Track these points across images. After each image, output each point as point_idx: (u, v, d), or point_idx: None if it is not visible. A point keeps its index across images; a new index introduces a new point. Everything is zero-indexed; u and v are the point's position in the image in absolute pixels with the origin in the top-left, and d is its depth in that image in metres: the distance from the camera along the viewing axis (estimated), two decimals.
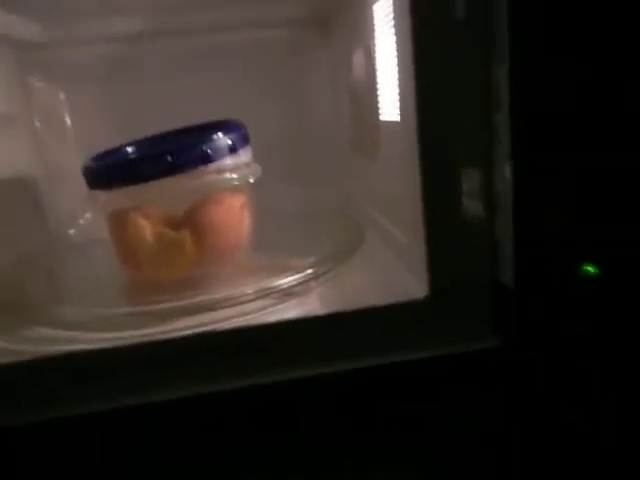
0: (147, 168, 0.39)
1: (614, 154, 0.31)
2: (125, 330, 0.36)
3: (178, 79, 0.61)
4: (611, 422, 0.31)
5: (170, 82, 0.61)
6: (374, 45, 0.44)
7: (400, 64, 0.36)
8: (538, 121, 0.31)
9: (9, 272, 0.47)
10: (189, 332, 0.35)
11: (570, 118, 0.31)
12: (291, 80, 0.64)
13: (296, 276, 0.39)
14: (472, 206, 0.34)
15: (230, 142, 0.41)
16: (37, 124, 0.61)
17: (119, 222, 0.42)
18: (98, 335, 0.36)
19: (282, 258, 0.43)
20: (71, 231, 0.62)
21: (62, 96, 0.63)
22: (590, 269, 0.32)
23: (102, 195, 0.41)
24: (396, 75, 0.37)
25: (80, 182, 0.42)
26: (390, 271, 0.42)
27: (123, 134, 0.47)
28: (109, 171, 0.41)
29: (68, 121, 0.64)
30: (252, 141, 0.44)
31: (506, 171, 0.32)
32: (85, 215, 0.64)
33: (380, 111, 0.45)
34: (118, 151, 0.45)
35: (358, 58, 0.49)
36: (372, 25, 0.43)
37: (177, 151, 0.39)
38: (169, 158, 0.39)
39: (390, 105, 0.41)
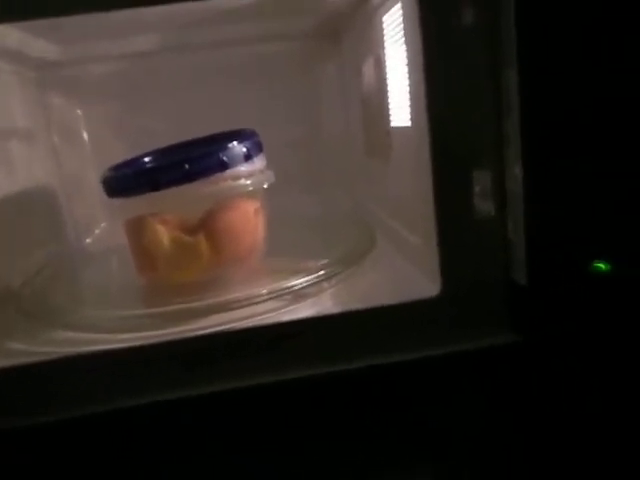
0: (164, 176, 0.40)
1: (623, 152, 0.32)
2: (143, 331, 0.37)
3: (193, 93, 0.63)
4: (627, 417, 0.32)
5: (185, 96, 0.63)
6: (384, 54, 0.45)
7: (410, 71, 0.37)
8: (548, 122, 0.32)
9: (30, 279, 0.48)
10: (205, 332, 0.36)
11: (580, 118, 0.32)
12: (303, 90, 0.65)
13: (308, 277, 0.39)
14: (484, 206, 0.35)
15: (245, 150, 0.42)
16: (55, 139, 0.63)
17: (137, 228, 0.43)
18: (118, 336, 0.37)
19: (295, 261, 0.44)
20: (88, 240, 0.64)
21: (79, 112, 0.65)
22: (601, 266, 0.32)
23: (120, 203, 0.42)
24: (406, 82, 0.38)
25: (96, 193, 0.44)
26: (401, 272, 0.43)
27: (139, 148, 0.49)
28: (127, 179, 0.42)
29: (85, 136, 0.65)
30: (267, 149, 0.45)
31: (517, 171, 0.33)
32: (101, 224, 0.66)
33: (391, 117, 0.46)
34: (136, 161, 0.46)
35: (368, 67, 0.50)
36: (382, 35, 0.45)
37: (194, 159, 0.41)
38: (186, 166, 0.40)
39: (401, 111, 0.42)
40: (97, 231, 0.65)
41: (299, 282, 0.39)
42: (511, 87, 0.32)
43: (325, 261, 0.42)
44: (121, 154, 0.48)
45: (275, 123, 0.60)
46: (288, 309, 0.38)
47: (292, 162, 0.60)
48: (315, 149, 0.65)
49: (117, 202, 0.43)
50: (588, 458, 0.30)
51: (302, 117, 0.65)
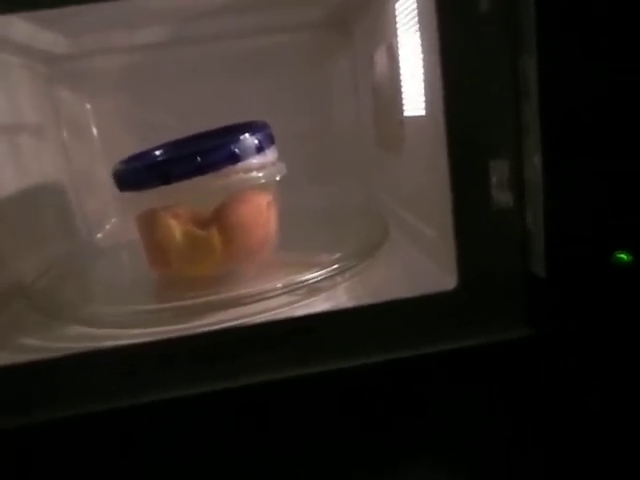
0: (176, 169, 0.40)
1: None
2: (156, 326, 0.37)
3: (202, 85, 0.62)
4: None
5: (194, 88, 0.62)
6: (396, 43, 0.44)
7: (425, 59, 0.36)
8: (567, 110, 0.31)
9: (41, 275, 0.48)
10: (218, 327, 0.36)
11: (600, 105, 0.31)
12: (314, 81, 0.64)
13: (322, 271, 0.39)
14: (502, 196, 0.34)
15: (257, 142, 0.42)
16: (64, 133, 0.63)
17: (149, 222, 0.42)
18: (130, 331, 0.37)
19: (308, 254, 0.43)
20: (99, 235, 0.63)
21: (88, 106, 0.65)
22: (623, 256, 0.31)
23: (132, 196, 0.42)
24: (421, 70, 0.37)
25: (106, 188, 0.44)
26: (417, 265, 0.42)
27: (148, 141, 0.48)
28: (139, 173, 0.41)
29: (94, 130, 0.65)
30: (278, 141, 0.45)
31: (536, 161, 0.32)
32: (112, 220, 0.66)
33: (404, 107, 0.45)
34: (147, 154, 0.46)
35: (380, 56, 0.49)
36: (394, 23, 0.44)
37: (206, 151, 0.40)
38: (198, 158, 0.40)
39: (414, 100, 0.41)
40: (108, 226, 0.65)
41: (313, 276, 0.39)
42: (530, 74, 0.31)
43: (338, 254, 0.42)
44: (131, 148, 0.47)
45: (285, 115, 0.59)
46: (302, 303, 0.38)
47: (303, 154, 0.59)
48: (326, 141, 0.65)
49: (128, 196, 0.42)
50: (603, 452, 0.30)
51: (313, 109, 0.64)
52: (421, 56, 0.37)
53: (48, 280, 0.48)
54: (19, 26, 0.48)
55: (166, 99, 0.62)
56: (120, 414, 0.36)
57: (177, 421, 0.36)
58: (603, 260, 0.32)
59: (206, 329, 0.36)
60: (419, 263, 0.42)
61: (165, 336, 0.36)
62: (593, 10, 0.30)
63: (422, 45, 0.36)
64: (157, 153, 0.46)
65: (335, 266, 0.40)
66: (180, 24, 0.58)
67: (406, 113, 0.45)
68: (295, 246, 0.46)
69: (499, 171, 0.34)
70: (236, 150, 0.40)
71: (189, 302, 0.38)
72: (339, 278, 0.40)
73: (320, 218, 0.55)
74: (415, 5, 0.37)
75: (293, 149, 0.49)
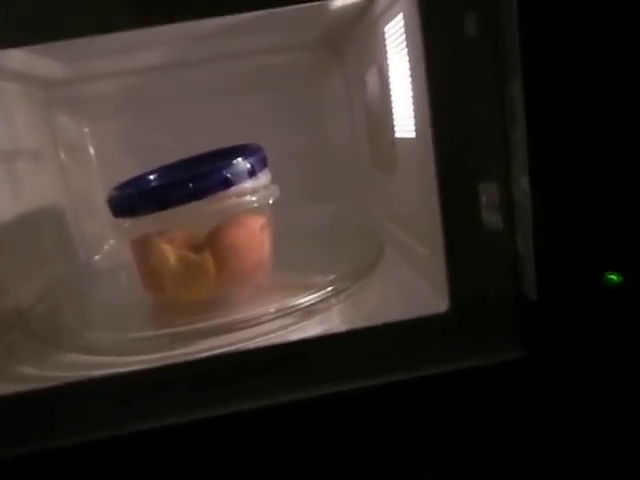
0: (169, 195, 0.40)
1: (632, 162, 0.31)
2: (151, 353, 0.37)
3: (199, 106, 0.63)
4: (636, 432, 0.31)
5: (191, 109, 0.63)
6: (387, 64, 0.45)
7: (414, 82, 0.37)
8: (554, 133, 0.31)
9: (40, 300, 0.49)
10: (212, 353, 0.36)
11: (586, 128, 0.31)
12: (308, 101, 0.65)
13: (316, 294, 0.39)
14: (492, 219, 0.35)
15: (249, 166, 0.42)
16: (62, 157, 0.64)
17: (143, 248, 0.43)
18: (126, 359, 0.37)
19: (303, 277, 0.43)
20: (97, 257, 0.64)
21: (86, 129, 0.65)
22: (613, 277, 0.31)
23: (126, 222, 0.42)
24: (410, 93, 0.38)
25: (104, 210, 0.44)
26: (410, 286, 0.42)
27: (146, 163, 0.49)
28: (132, 199, 0.42)
29: (92, 153, 0.66)
30: (272, 162, 0.45)
31: (524, 184, 0.33)
32: (109, 241, 0.66)
33: (395, 128, 0.45)
34: (141, 180, 0.46)
35: (371, 77, 0.50)
36: (384, 45, 0.44)
37: (198, 177, 0.41)
38: (190, 185, 0.40)
39: (405, 122, 0.41)
40: (106, 247, 0.66)
41: (307, 300, 0.39)
42: (516, 98, 0.31)
43: (333, 276, 0.42)
44: (128, 170, 0.48)
45: (282, 134, 0.60)
46: (296, 327, 0.38)
47: (299, 174, 0.60)
48: (322, 160, 0.65)
49: (123, 222, 0.43)
50: (596, 470, 0.30)
51: (308, 128, 0.65)
52: (409, 79, 0.37)
53: (46, 305, 0.48)
54: (14, 55, 0.49)
55: (163, 121, 0.63)
56: (117, 442, 0.36)
57: (173, 448, 0.36)
58: (593, 281, 0.32)
59: (200, 356, 0.36)
60: (413, 284, 0.42)
61: (160, 363, 0.36)
62: (577, 34, 0.30)
63: (410, 68, 0.37)
64: (150, 178, 0.46)
65: (329, 288, 0.40)
66: (176, 48, 0.59)
67: (397, 134, 0.45)
68: (290, 267, 0.46)
69: (489, 193, 0.34)
70: (228, 175, 0.41)
71: (183, 329, 0.39)
72: (334, 300, 0.40)
73: (315, 237, 0.55)
74: (403, 29, 0.38)
75: (289, 168, 0.50)
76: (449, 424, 0.35)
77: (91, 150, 0.65)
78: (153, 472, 0.35)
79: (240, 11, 0.37)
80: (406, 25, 0.37)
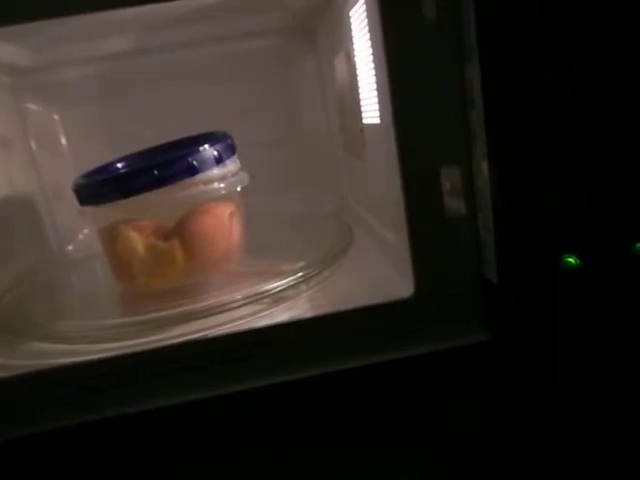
0: (134, 182, 0.40)
1: (590, 145, 0.32)
2: (121, 340, 0.37)
3: (168, 93, 0.62)
4: (598, 414, 0.31)
5: (161, 96, 0.62)
6: (353, 50, 0.44)
7: (377, 67, 0.37)
8: (512, 116, 0.31)
9: (9, 290, 0.48)
10: (181, 340, 0.36)
11: (544, 111, 0.31)
12: (281, 88, 0.64)
13: (286, 280, 0.39)
14: (454, 204, 0.35)
15: (216, 153, 0.42)
16: (33, 145, 0.63)
17: (111, 236, 0.42)
18: (94, 347, 0.37)
19: (273, 263, 0.43)
20: (70, 247, 0.63)
21: (56, 117, 0.64)
22: (571, 260, 0.32)
23: (93, 210, 0.42)
24: (374, 78, 0.38)
25: (76, 201, 0.44)
26: (379, 272, 0.42)
27: (117, 151, 0.48)
28: (98, 187, 0.42)
29: (63, 140, 0.65)
30: (245, 149, 0.45)
31: (484, 168, 0.33)
32: (83, 231, 0.65)
33: (363, 114, 0.45)
34: (107, 167, 0.46)
35: (340, 64, 0.50)
36: (349, 30, 0.44)
37: (163, 164, 0.40)
38: (155, 172, 0.40)
39: (371, 108, 0.41)
40: (80, 237, 0.65)
41: (276, 286, 0.39)
42: (474, 82, 0.31)
43: (303, 262, 0.42)
44: (100, 158, 0.47)
45: (254, 122, 0.59)
46: (264, 314, 0.38)
47: (272, 161, 0.59)
48: (295, 147, 0.65)
49: (90, 210, 0.42)
50: (562, 452, 0.30)
51: (281, 115, 0.64)
52: (372, 64, 0.37)
53: (15, 295, 0.48)
54: None
55: (134, 108, 0.62)
56: (85, 429, 0.36)
57: (141, 435, 0.36)
58: (552, 264, 0.32)
59: (169, 343, 0.36)
60: (382, 270, 0.43)
61: (128, 350, 0.36)
62: (534, 15, 0.30)
63: (373, 53, 0.37)
64: (116, 166, 0.46)
65: (299, 274, 0.40)
66: (145, 33, 0.58)
67: (365, 120, 0.45)
68: (262, 254, 0.46)
69: (451, 178, 0.34)
70: (194, 162, 0.40)
71: (152, 316, 0.38)
72: (303, 286, 0.40)
73: (287, 225, 0.55)
74: (365, 14, 0.38)
75: (262, 155, 0.49)
76: (414, 408, 0.36)
77: (62, 138, 0.64)
78: (122, 459, 0.35)
79: None
80: (367, 9, 0.37)
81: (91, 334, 0.38)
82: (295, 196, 0.63)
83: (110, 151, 0.49)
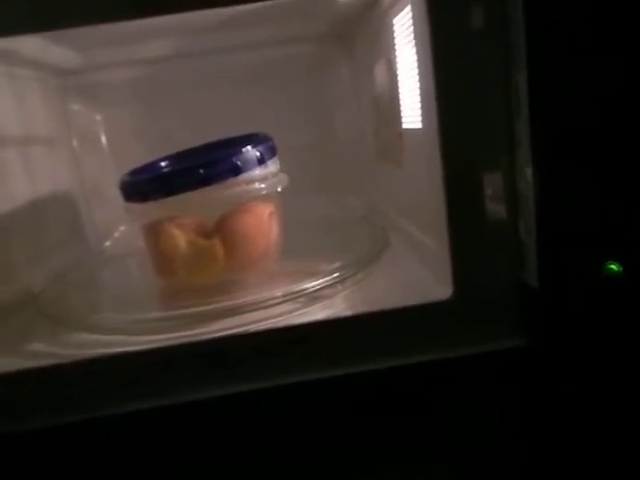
0: (180, 181, 0.41)
1: (634, 153, 0.32)
2: (161, 333, 0.38)
3: (210, 96, 0.64)
4: (635, 423, 0.31)
5: (200, 99, 0.64)
6: (395, 57, 0.45)
7: (421, 74, 0.37)
8: (558, 123, 0.32)
9: (50, 283, 0.50)
10: (220, 334, 0.37)
11: (589, 119, 0.32)
12: (317, 93, 0.65)
13: (322, 280, 0.40)
14: (496, 209, 0.35)
15: (258, 154, 0.43)
16: (75, 144, 0.65)
17: (154, 233, 0.44)
18: (136, 339, 0.38)
19: (309, 264, 0.44)
20: (107, 243, 0.65)
21: (98, 117, 0.66)
22: (614, 267, 0.32)
23: (138, 207, 0.43)
24: (417, 84, 0.38)
25: (115, 197, 0.45)
26: (414, 274, 0.43)
27: (157, 151, 0.50)
28: (144, 184, 0.43)
29: (104, 140, 0.67)
30: (281, 153, 0.46)
31: (528, 174, 0.33)
32: (120, 228, 0.67)
33: (403, 119, 0.46)
34: (153, 166, 0.47)
35: (380, 70, 0.50)
36: (392, 38, 0.45)
37: (208, 164, 0.41)
38: (200, 171, 0.41)
39: (412, 113, 0.42)
40: (116, 234, 0.67)
41: (313, 285, 0.40)
42: (521, 89, 0.32)
43: (339, 263, 0.43)
44: (140, 158, 0.49)
45: (290, 126, 0.60)
46: (301, 312, 0.39)
47: (306, 165, 0.60)
48: (329, 152, 0.66)
49: (134, 207, 0.44)
50: (595, 459, 0.30)
51: (316, 120, 0.66)
52: (417, 70, 0.38)
53: (57, 289, 0.49)
54: (29, 41, 0.50)
55: (174, 110, 0.64)
56: (123, 420, 0.37)
57: (178, 428, 0.37)
58: (594, 271, 0.32)
59: (208, 337, 0.37)
60: (417, 273, 0.43)
61: (168, 343, 0.37)
62: (583, 25, 0.31)
63: (418, 60, 0.37)
64: (162, 165, 0.47)
65: (335, 275, 0.41)
66: (186, 38, 0.60)
67: (405, 125, 0.46)
68: (297, 255, 0.47)
69: (493, 184, 0.35)
70: (238, 162, 0.41)
71: (192, 310, 0.39)
72: (339, 287, 0.41)
73: (323, 228, 0.56)
74: (411, 21, 0.38)
75: (297, 159, 0.50)
76: (450, 410, 0.36)
77: (103, 138, 0.66)
78: (158, 451, 0.36)
79: (247, 2, 0.38)
80: (414, 17, 0.37)
81: (132, 326, 0.39)
82: (326, 200, 0.64)
83: (149, 152, 0.50)
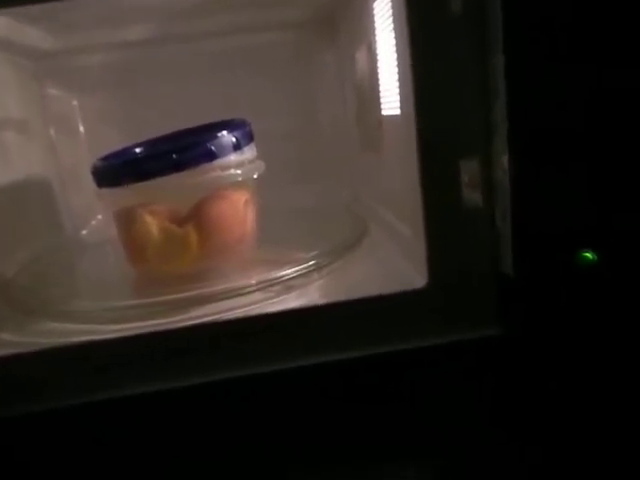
0: (152, 165, 0.40)
1: (611, 141, 0.32)
2: (133, 321, 0.37)
3: (187, 83, 0.63)
4: (610, 410, 0.31)
5: (179, 86, 0.62)
6: (375, 42, 0.45)
7: (399, 59, 0.37)
8: (535, 110, 0.31)
9: (23, 269, 0.49)
10: (194, 322, 0.36)
11: (567, 106, 0.31)
12: (299, 79, 0.64)
13: (298, 268, 0.39)
14: (472, 196, 0.35)
15: (234, 139, 0.42)
16: (51, 130, 0.63)
17: (126, 219, 0.43)
18: (107, 327, 0.37)
19: (286, 252, 0.43)
20: (84, 231, 0.64)
21: (75, 102, 0.65)
22: (588, 255, 0.32)
23: (110, 193, 0.42)
24: (396, 70, 0.38)
25: (92, 184, 0.44)
26: (391, 263, 0.42)
27: (134, 137, 0.49)
28: (116, 169, 0.42)
29: (81, 126, 0.65)
30: (261, 141, 0.45)
31: (504, 162, 0.33)
32: (97, 216, 0.66)
33: (382, 106, 0.45)
34: (126, 151, 0.46)
35: (361, 55, 0.50)
36: (373, 22, 0.44)
37: (181, 149, 0.41)
38: (173, 156, 0.40)
39: (391, 100, 0.42)
40: (93, 222, 0.66)
41: (288, 273, 0.39)
42: (498, 74, 0.31)
43: (315, 252, 0.42)
44: (117, 144, 0.47)
45: (271, 113, 0.60)
46: (276, 300, 0.38)
47: (287, 152, 0.60)
48: (311, 139, 0.65)
49: (106, 192, 0.43)
50: (571, 448, 0.30)
51: (299, 107, 0.65)
52: (395, 56, 0.37)
53: (29, 275, 0.48)
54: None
55: (152, 96, 0.63)
56: (94, 409, 0.36)
57: (150, 416, 0.36)
58: (569, 259, 0.32)
59: (179, 325, 0.36)
60: (395, 262, 0.43)
61: (139, 332, 0.36)
62: (561, 11, 0.30)
63: (396, 45, 0.37)
64: (135, 150, 0.46)
65: (311, 263, 0.40)
66: (166, 22, 0.59)
67: (384, 112, 0.45)
68: (274, 243, 0.47)
69: (470, 171, 0.34)
70: (212, 147, 0.41)
71: (165, 298, 0.38)
72: (315, 275, 0.40)
73: (302, 217, 0.55)
74: (390, 5, 0.38)
75: (278, 148, 0.50)
76: (426, 398, 0.36)
77: (80, 123, 0.65)
78: (129, 440, 0.36)
79: None
80: (393, 1, 0.37)
81: (104, 314, 0.39)
82: (308, 189, 0.63)
83: (126, 138, 0.49)
